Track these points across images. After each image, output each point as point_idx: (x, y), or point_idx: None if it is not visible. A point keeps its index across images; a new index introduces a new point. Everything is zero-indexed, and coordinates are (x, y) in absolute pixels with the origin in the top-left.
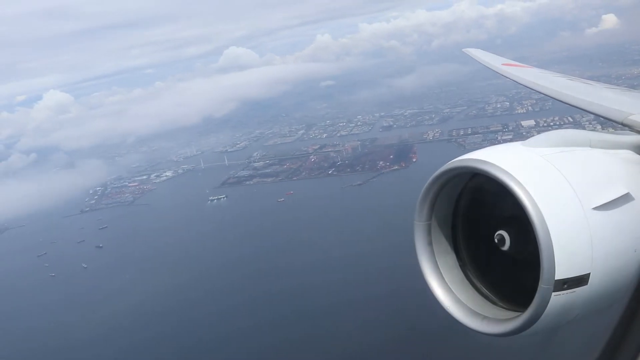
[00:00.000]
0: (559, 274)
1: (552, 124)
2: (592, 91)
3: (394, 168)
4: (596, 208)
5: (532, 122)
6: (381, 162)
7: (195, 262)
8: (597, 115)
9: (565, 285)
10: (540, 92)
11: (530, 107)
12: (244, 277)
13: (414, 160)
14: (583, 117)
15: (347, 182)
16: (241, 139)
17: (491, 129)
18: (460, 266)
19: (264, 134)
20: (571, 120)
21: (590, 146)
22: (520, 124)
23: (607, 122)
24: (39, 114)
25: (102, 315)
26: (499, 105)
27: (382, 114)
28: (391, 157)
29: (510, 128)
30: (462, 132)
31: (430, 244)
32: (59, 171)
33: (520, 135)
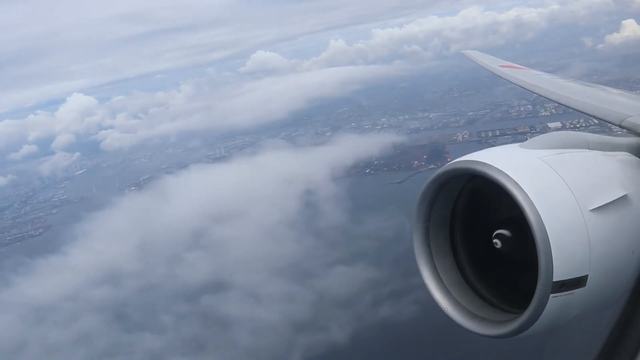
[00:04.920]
0: (557, 276)
1: (578, 125)
2: (590, 93)
3: (430, 167)
4: (594, 210)
5: (558, 124)
6: (416, 162)
7: None
8: (594, 117)
9: (563, 287)
10: (538, 94)
11: (553, 110)
12: None
13: (449, 159)
14: None
15: (387, 180)
16: (267, 141)
17: (519, 130)
18: (459, 268)
19: (289, 136)
20: (596, 122)
21: (588, 148)
22: (547, 126)
23: None
24: (65, 116)
25: None
26: (522, 109)
27: (406, 116)
28: (425, 157)
29: (538, 130)
30: (490, 134)
31: (428, 245)
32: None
33: None
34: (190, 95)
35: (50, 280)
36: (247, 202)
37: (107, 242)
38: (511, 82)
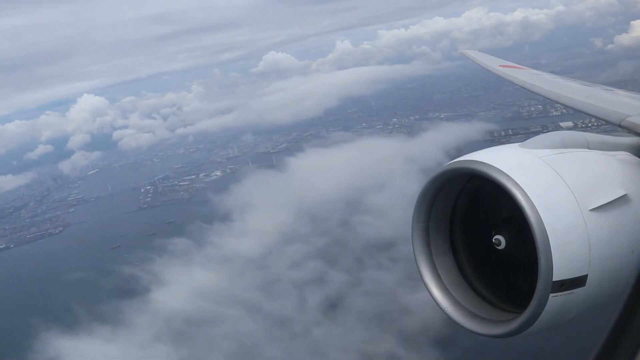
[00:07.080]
0: (557, 276)
1: (589, 125)
2: (589, 92)
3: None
4: (594, 209)
5: (570, 124)
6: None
7: None
8: (594, 117)
9: (563, 287)
10: (538, 94)
11: (564, 110)
12: None
13: None
14: None
15: None
16: (280, 140)
17: (532, 130)
18: (458, 268)
19: (301, 136)
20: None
21: (588, 147)
22: (559, 125)
23: None
24: (77, 116)
25: None
26: (532, 109)
27: (417, 117)
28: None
29: (550, 129)
30: (503, 133)
31: (428, 245)
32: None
33: None
34: (205, 96)
35: (240, 241)
36: (380, 178)
37: (271, 211)
38: (511, 82)
